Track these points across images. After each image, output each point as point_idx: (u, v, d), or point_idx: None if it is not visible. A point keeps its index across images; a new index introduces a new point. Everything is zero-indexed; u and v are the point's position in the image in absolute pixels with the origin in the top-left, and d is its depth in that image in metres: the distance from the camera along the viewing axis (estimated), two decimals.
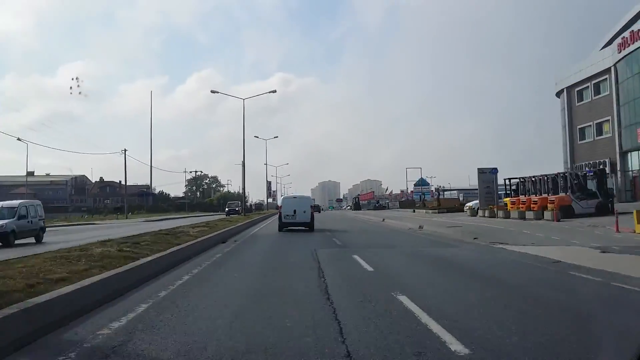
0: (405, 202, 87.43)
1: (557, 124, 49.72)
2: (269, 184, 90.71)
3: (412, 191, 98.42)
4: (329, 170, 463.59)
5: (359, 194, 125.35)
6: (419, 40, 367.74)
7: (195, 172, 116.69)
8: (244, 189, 53.88)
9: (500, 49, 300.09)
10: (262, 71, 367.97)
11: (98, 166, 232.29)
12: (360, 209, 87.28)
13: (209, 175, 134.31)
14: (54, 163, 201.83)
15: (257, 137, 79.89)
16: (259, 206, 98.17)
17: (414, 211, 53.26)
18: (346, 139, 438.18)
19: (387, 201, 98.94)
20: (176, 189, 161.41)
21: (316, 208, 68.03)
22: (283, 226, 23.13)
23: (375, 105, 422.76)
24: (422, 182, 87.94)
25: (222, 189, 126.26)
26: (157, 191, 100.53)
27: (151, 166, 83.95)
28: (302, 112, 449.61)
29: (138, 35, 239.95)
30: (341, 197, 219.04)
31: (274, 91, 49.37)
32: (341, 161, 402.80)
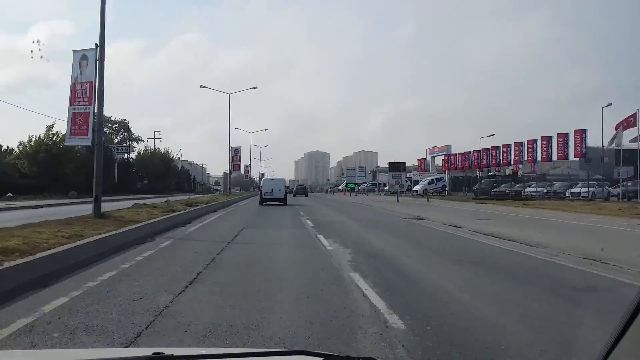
0: None
1: None
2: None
3: None
4: (314, 139, 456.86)
5: None
6: None
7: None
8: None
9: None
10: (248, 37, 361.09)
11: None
12: None
13: (112, 119, 66.02)
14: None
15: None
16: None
17: None
18: (334, 106, 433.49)
19: None
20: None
21: (300, 190, 58.31)
22: (263, 201, 29.91)
23: (368, 67, 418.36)
24: None
25: (135, 144, 68.09)
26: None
27: None
28: (288, 78, 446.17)
29: None
30: (330, 168, 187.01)
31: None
32: (328, 130, 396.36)
